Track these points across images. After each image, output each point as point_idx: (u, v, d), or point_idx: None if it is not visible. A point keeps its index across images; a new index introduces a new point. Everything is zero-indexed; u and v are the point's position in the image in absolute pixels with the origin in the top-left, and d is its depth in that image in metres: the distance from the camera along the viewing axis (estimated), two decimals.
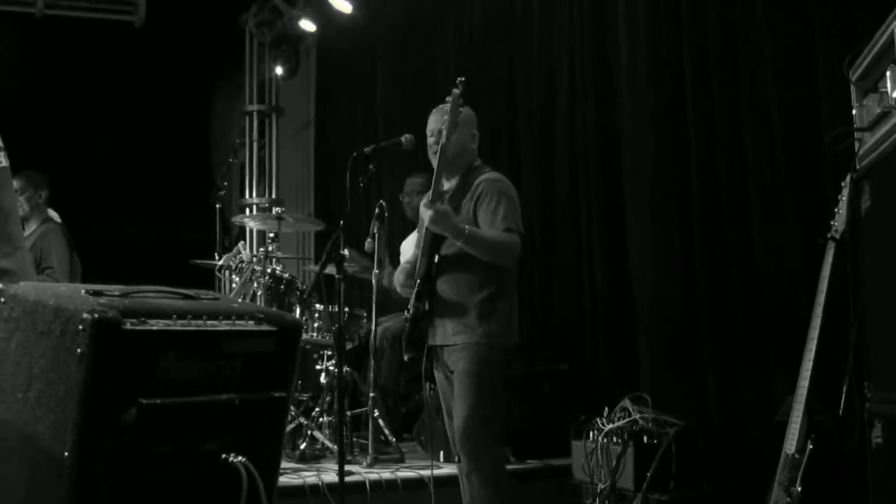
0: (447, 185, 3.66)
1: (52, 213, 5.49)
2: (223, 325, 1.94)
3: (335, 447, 4.32)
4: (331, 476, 4.07)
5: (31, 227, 5.26)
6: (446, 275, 3.54)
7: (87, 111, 8.02)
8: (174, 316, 1.86)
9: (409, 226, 5.46)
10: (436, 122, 3.59)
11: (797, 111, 3.70)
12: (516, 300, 3.66)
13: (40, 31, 7.93)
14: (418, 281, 3.56)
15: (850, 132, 2.73)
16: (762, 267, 3.87)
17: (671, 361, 4.35)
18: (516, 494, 3.56)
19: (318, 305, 5.24)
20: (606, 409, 4.05)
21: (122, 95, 8.13)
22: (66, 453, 1.72)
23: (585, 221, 5.01)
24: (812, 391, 2.86)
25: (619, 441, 3.85)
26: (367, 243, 4.93)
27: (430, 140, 3.62)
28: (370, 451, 4.63)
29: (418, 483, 4.18)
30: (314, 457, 4.73)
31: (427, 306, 3.54)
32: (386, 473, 4.30)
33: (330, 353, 5.15)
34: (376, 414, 4.72)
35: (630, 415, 3.92)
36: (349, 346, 5.31)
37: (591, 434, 4.01)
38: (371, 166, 3.82)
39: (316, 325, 5.23)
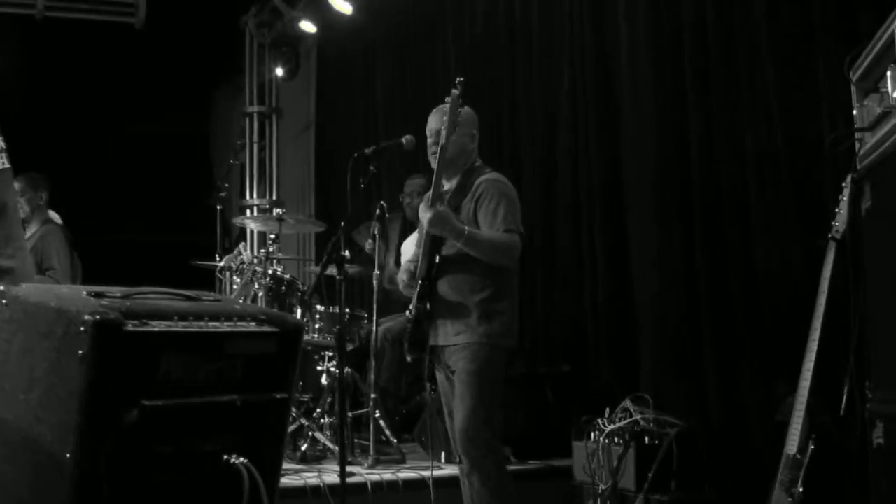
0: (447, 185, 3.65)
1: (53, 215, 5.49)
2: (225, 327, 1.94)
3: (336, 448, 4.32)
4: (332, 477, 4.07)
5: (31, 229, 5.26)
6: (447, 275, 3.54)
7: (87, 113, 8.03)
8: (176, 317, 1.87)
9: (410, 226, 5.46)
10: (435, 122, 3.57)
11: (798, 111, 3.69)
12: (517, 300, 3.66)
13: (41, 33, 7.93)
14: (419, 282, 3.56)
15: (850, 132, 2.74)
16: (763, 267, 3.86)
17: (672, 362, 4.34)
18: (517, 495, 3.55)
19: (318, 306, 5.24)
20: (607, 409, 4.04)
21: (123, 97, 8.14)
22: (67, 454, 1.72)
23: (586, 221, 5.00)
24: (813, 391, 2.85)
25: (621, 442, 3.85)
26: (368, 244, 4.92)
27: (430, 140, 3.60)
28: (371, 451, 4.62)
29: (419, 484, 4.18)
30: (315, 458, 4.73)
31: (428, 307, 3.54)
32: (387, 474, 4.30)
33: (331, 354, 5.16)
34: (377, 415, 4.71)
35: (631, 415, 3.91)
36: (350, 347, 5.30)
37: (592, 435, 4.00)
38: (371, 167, 3.82)
39: (317, 326, 5.23)
